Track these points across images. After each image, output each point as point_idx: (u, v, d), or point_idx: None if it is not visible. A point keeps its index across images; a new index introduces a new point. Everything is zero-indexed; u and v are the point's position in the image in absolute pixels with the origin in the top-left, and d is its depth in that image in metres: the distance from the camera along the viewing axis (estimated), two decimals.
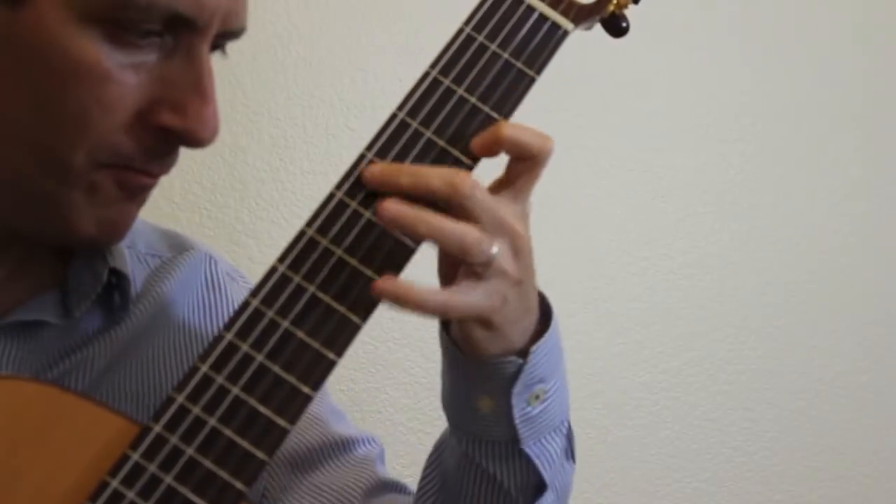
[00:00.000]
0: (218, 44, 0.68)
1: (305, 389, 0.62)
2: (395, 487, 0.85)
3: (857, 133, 1.62)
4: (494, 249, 0.64)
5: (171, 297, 0.79)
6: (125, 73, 0.63)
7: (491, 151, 0.65)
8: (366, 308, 0.64)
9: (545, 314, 0.72)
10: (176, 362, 0.78)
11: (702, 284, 1.53)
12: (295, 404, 0.62)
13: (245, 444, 0.61)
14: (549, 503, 0.75)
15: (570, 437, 0.78)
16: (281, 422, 0.61)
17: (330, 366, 0.62)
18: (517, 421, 0.71)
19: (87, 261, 0.74)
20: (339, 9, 1.33)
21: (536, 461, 0.73)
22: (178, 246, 0.83)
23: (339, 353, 0.63)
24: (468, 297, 0.65)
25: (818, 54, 1.59)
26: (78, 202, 0.66)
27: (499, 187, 0.67)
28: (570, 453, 0.79)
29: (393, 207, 0.62)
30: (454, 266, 0.68)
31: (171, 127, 0.65)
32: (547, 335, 0.71)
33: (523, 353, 0.70)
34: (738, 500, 1.56)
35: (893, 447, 1.65)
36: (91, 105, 0.63)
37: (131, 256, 0.78)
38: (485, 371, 0.70)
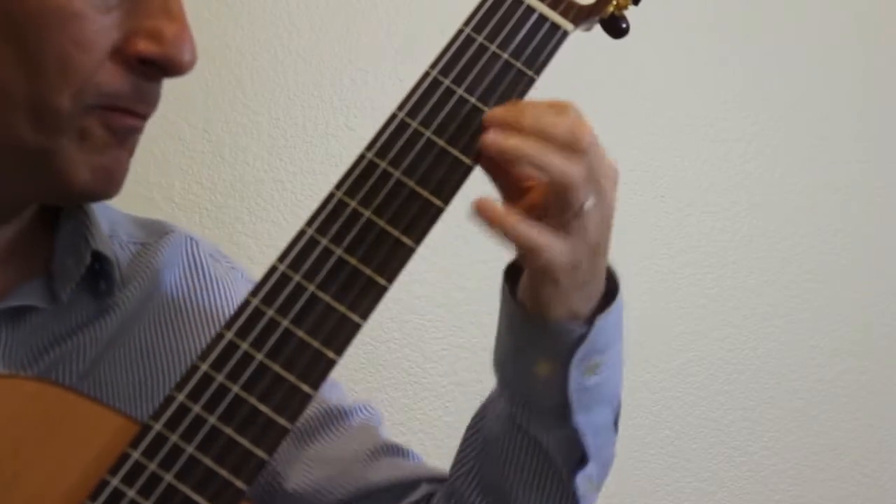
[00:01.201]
0: None
1: (305, 388, 0.62)
2: (398, 451, 0.85)
3: (857, 133, 1.62)
4: (590, 201, 0.64)
5: (156, 280, 0.80)
6: (96, 10, 0.65)
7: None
8: (366, 307, 0.64)
9: (609, 291, 0.72)
10: (165, 343, 0.79)
11: (701, 284, 1.53)
12: (295, 403, 0.62)
13: (245, 442, 0.61)
14: (592, 474, 0.76)
15: (617, 411, 0.79)
16: (281, 420, 0.61)
17: (330, 365, 0.62)
18: (571, 390, 0.72)
19: (70, 243, 0.75)
20: (339, 9, 1.33)
21: (582, 434, 0.74)
22: (157, 231, 0.84)
23: (339, 353, 0.63)
24: (556, 242, 0.65)
25: (818, 54, 1.59)
26: (70, 151, 0.67)
27: None
28: (616, 426, 0.79)
29: (496, 137, 0.63)
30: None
31: (149, 55, 0.66)
32: (613, 307, 0.71)
33: (588, 321, 0.70)
34: (738, 500, 1.56)
35: (893, 447, 1.65)
36: (69, 46, 0.64)
37: (114, 244, 0.79)
38: (549, 334, 0.70)
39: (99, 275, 0.76)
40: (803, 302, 1.59)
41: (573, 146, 0.64)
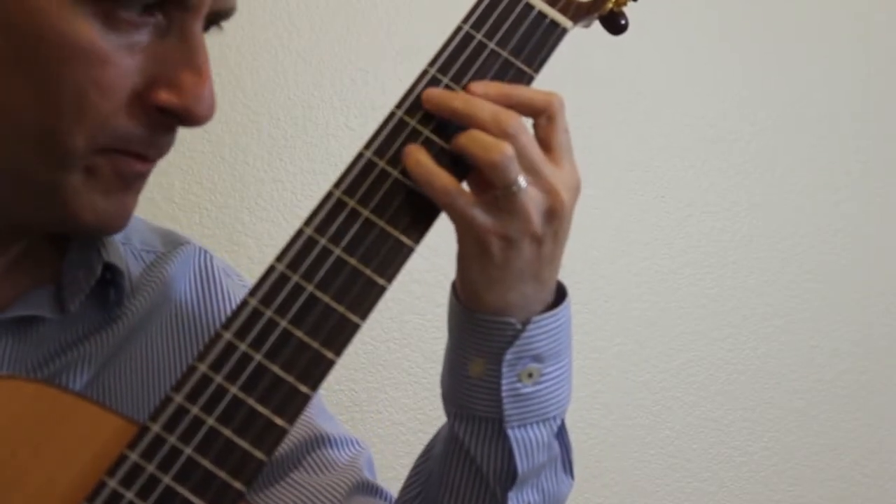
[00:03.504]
0: (211, 20, 0.68)
1: (304, 389, 0.62)
2: (374, 491, 0.84)
3: (857, 133, 1.62)
4: (522, 182, 0.65)
5: (165, 289, 0.79)
6: (120, 54, 0.63)
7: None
8: (365, 307, 0.63)
9: (558, 300, 0.73)
10: (172, 352, 0.78)
11: (702, 284, 1.53)
12: (294, 404, 0.61)
13: (244, 443, 0.61)
14: (531, 500, 0.75)
15: (566, 447, 0.78)
16: (279, 421, 0.61)
17: (329, 365, 0.62)
18: (504, 392, 0.71)
19: (81, 255, 0.74)
20: (339, 9, 1.33)
21: (514, 447, 0.73)
22: (172, 241, 0.83)
23: (338, 353, 0.63)
24: (472, 206, 0.66)
25: (818, 54, 1.59)
26: (76, 187, 0.66)
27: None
28: (567, 466, 0.79)
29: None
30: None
31: (168, 105, 0.65)
32: (552, 314, 0.71)
33: (524, 322, 0.71)
34: (738, 500, 1.56)
35: (893, 447, 1.65)
36: (88, 88, 0.62)
37: (126, 252, 0.78)
38: (481, 328, 0.71)
39: (109, 285, 0.75)
40: (803, 302, 1.58)
41: (496, 125, 0.65)
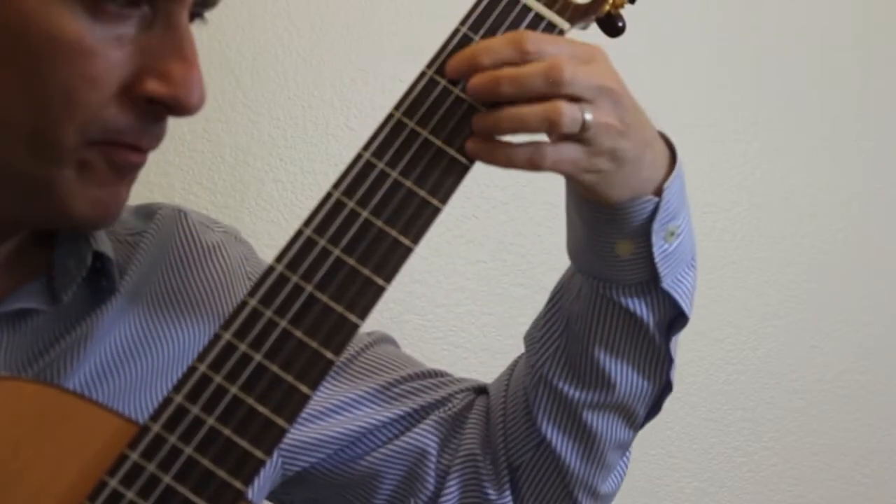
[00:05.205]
0: (196, 12, 0.69)
1: (303, 388, 0.62)
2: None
3: (857, 133, 1.62)
4: (588, 116, 0.67)
5: (151, 260, 0.80)
6: (108, 46, 0.63)
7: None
8: (363, 307, 0.64)
9: (670, 150, 0.77)
10: (166, 320, 0.79)
11: (702, 284, 1.53)
12: (293, 403, 0.62)
13: (243, 443, 0.61)
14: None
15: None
16: (279, 421, 0.61)
17: (328, 365, 0.62)
18: (657, 259, 0.76)
19: (71, 246, 0.74)
20: (339, 9, 1.33)
21: (676, 296, 0.78)
22: (148, 214, 0.84)
23: (337, 353, 0.63)
24: (559, 152, 0.68)
25: (818, 54, 1.59)
26: (69, 181, 0.66)
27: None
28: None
29: (478, 131, 0.66)
30: None
31: (157, 96, 0.65)
32: (675, 171, 0.76)
33: (657, 191, 0.74)
34: (738, 500, 1.56)
35: (893, 447, 1.65)
36: (77, 82, 0.63)
37: (112, 240, 0.79)
38: (622, 215, 0.74)
39: (100, 273, 0.76)
40: (803, 302, 1.58)
41: (553, 90, 0.66)
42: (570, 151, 0.68)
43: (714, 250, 1.54)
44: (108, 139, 0.66)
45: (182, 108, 0.66)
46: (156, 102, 0.65)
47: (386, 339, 0.92)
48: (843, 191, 1.61)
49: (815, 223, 1.59)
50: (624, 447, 0.85)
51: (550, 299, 0.84)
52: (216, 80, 1.27)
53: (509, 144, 0.67)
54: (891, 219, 1.64)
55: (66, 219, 0.68)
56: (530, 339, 0.85)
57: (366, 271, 0.64)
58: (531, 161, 0.67)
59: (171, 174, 1.26)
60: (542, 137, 0.69)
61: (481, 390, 0.89)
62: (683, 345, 1.52)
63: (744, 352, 1.56)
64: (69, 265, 0.74)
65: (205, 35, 1.26)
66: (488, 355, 1.39)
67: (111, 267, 0.76)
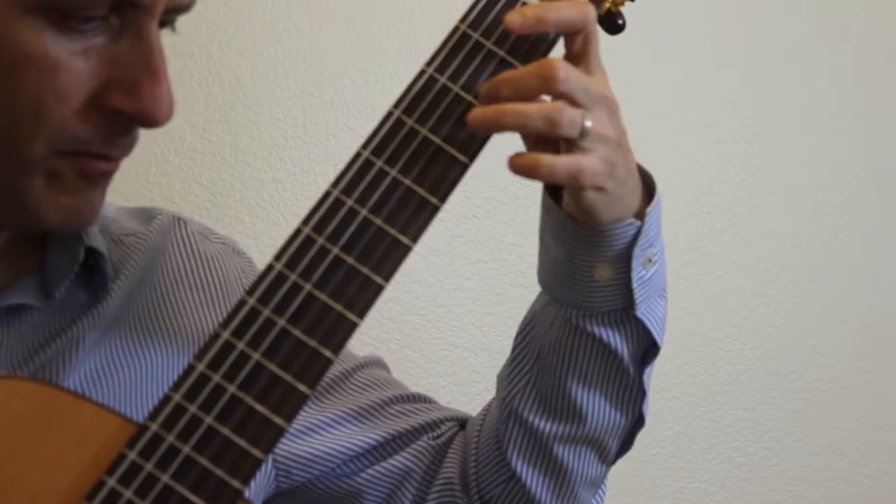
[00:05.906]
0: (167, 19, 0.68)
1: (302, 387, 0.62)
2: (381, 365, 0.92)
3: (857, 133, 1.62)
4: (588, 122, 0.67)
5: (147, 265, 0.80)
6: (74, 59, 0.63)
7: (535, 30, 0.68)
8: (362, 306, 0.63)
9: (644, 177, 0.76)
10: (161, 325, 0.79)
11: (702, 284, 1.53)
12: (291, 402, 0.62)
13: (242, 442, 0.61)
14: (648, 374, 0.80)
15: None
16: (277, 420, 0.61)
17: (326, 364, 0.62)
18: (635, 285, 0.75)
19: (64, 242, 0.74)
20: (339, 9, 1.33)
21: (649, 325, 0.77)
22: (147, 218, 0.84)
23: (336, 351, 0.63)
24: (585, 159, 0.68)
25: (818, 54, 1.59)
26: (39, 190, 0.66)
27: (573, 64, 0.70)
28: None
29: (477, 112, 0.66)
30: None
31: (124, 110, 0.65)
32: (655, 199, 0.75)
33: (638, 216, 0.74)
34: (738, 500, 1.56)
35: (893, 447, 1.64)
36: (44, 95, 0.63)
37: (106, 238, 0.79)
38: (605, 238, 0.74)
39: (93, 270, 0.76)
40: (803, 302, 1.58)
41: (546, 88, 0.67)
42: (595, 163, 0.69)
43: (714, 250, 1.54)
44: (76, 150, 0.65)
45: (149, 122, 0.66)
46: (123, 115, 0.65)
47: (381, 364, 0.93)
48: (842, 190, 1.61)
49: (815, 223, 1.59)
50: (596, 484, 0.84)
51: (520, 332, 0.83)
52: (216, 80, 1.27)
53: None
54: (891, 219, 1.64)
55: (40, 226, 0.68)
56: (500, 375, 0.85)
57: (365, 270, 0.64)
58: (567, 167, 0.68)
59: (171, 174, 1.26)
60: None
61: (466, 423, 0.90)
62: (683, 345, 1.53)
63: (744, 352, 1.56)
64: (61, 261, 0.74)
65: (205, 35, 1.26)
66: (488, 355, 1.38)
67: (104, 263, 0.76)
